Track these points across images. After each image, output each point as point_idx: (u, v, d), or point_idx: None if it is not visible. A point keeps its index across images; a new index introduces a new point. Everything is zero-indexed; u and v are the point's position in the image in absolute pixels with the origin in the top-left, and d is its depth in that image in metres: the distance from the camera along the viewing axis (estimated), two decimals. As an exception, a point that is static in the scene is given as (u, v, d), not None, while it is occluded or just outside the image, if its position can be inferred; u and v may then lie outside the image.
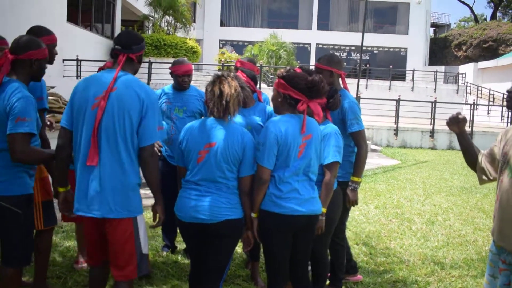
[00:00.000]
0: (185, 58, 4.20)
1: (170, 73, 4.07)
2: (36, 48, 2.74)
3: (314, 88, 2.75)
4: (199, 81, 17.56)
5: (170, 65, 4.09)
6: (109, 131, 2.47)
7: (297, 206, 2.72)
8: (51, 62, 3.15)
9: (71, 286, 3.50)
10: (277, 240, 2.77)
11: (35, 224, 3.15)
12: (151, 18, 20.76)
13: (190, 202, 2.67)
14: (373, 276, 4.09)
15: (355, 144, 3.44)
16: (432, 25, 40.41)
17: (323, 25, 32.34)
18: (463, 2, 45.13)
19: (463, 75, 28.41)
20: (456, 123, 2.70)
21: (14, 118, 2.56)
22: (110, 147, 2.47)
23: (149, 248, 4.29)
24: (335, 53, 31.62)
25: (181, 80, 3.97)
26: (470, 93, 26.16)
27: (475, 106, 17.02)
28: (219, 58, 23.60)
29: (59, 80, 12.14)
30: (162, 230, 4.41)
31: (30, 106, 2.62)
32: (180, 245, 4.37)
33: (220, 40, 31.57)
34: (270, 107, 3.67)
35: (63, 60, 15.00)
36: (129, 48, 2.63)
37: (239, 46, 29.46)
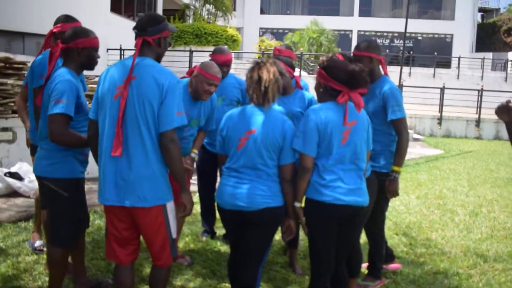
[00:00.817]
0: (226, 47, 4.18)
1: (210, 59, 4.09)
2: (83, 37, 2.81)
3: (354, 79, 2.70)
4: (239, 69, 17.60)
5: (210, 53, 4.13)
6: (132, 121, 2.44)
7: (341, 195, 2.67)
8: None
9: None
10: (320, 229, 2.74)
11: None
12: (192, 7, 20.94)
13: (229, 189, 2.70)
14: (413, 267, 4.04)
15: (396, 132, 3.35)
16: (480, 9, 38.85)
17: (365, 11, 31.70)
18: (514, -15, 43.12)
19: (513, 62, 27.25)
20: (506, 111, 2.60)
21: (53, 100, 2.68)
22: (135, 137, 2.44)
23: (189, 233, 4.43)
24: (377, 40, 31.06)
25: (220, 69, 3.96)
26: (520, 80, 25.08)
27: (524, 94, 16.30)
28: (259, 46, 23.58)
29: (103, 69, 12.49)
30: (201, 215, 4.51)
31: (68, 89, 2.69)
32: (220, 230, 4.44)
33: (260, 28, 31.52)
34: (309, 94, 3.66)
35: (107, 49, 15.36)
36: (144, 30, 2.52)
37: (279, 34, 29.34)
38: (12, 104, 5.91)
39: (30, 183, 5.36)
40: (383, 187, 3.35)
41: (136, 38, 2.54)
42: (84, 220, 3.04)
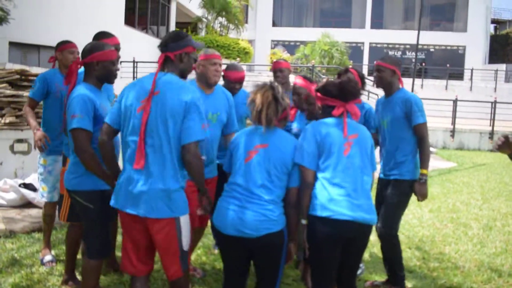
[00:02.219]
0: (239, 64, 4.22)
1: (223, 76, 4.11)
2: (99, 50, 2.86)
3: (345, 90, 2.78)
4: (252, 81, 17.71)
5: (223, 65, 4.14)
6: (154, 134, 2.50)
7: (347, 210, 2.62)
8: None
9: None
10: (324, 247, 2.69)
11: (60, 215, 3.34)
12: (204, 19, 21.15)
13: (231, 214, 2.61)
14: (426, 281, 4.00)
15: (419, 136, 3.47)
16: (493, 21, 38.64)
17: (377, 23, 31.71)
18: (527, -3, 42.90)
19: (527, 74, 27.03)
20: (507, 146, 2.62)
21: (69, 116, 2.76)
22: (155, 150, 2.50)
23: (202, 245, 4.44)
24: (389, 52, 31.04)
25: (232, 86, 3.92)
26: (534, 92, 24.83)
27: (539, 106, 16.15)
28: (270, 59, 23.69)
29: (116, 81, 12.64)
30: (212, 228, 4.51)
31: (81, 103, 2.73)
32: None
33: (272, 41, 31.67)
34: None
35: (121, 62, 15.52)
36: (166, 46, 2.61)
37: (291, 46, 29.44)
38: (28, 116, 6.03)
39: (44, 194, 5.42)
40: (404, 194, 3.48)
41: (160, 54, 2.64)
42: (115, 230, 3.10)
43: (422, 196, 3.49)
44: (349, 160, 2.69)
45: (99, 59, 2.87)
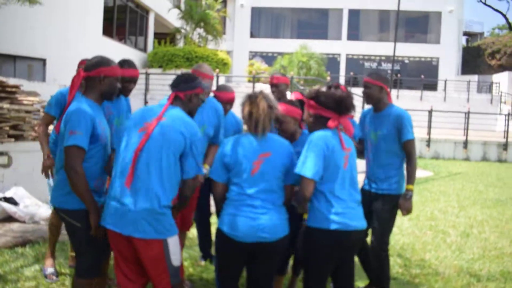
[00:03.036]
0: (229, 85, 4.21)
1: (214, 96, 4.03)
2: (106, 65, 2.78)
3: (343, 104, 2.82)
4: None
5: (214, 90, 4.11)
6: (149, 155, 2.56)
7: (350, 221, 2.73)
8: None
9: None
10: (325, 258, 2.78)
11: None
12: (183, 30, 21.17)
13: (249, 222, 2.67)
14: (409, 287, 4.10)
15: (407, 152, 3.53)
16: (465, 33, 39.78)
17: (353, 35, 32.26)
18: (497, 10, 44.35)
19: (497, 84, 27.86)
20: None
21: (68, 131, 2.63)
22: (148, 171, 2.56)
23: (188, 257, 4.46)
24: (365, 63, 31.50)
25: (223, 106, 3.88)
26: (505, 102, 25.62)
27: (510, 116, 16.67)
28: (249, 70, 23.84)
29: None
30: (198, 240, 4.54)
31: (81, 120, 2.62)
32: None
33: (250, 52, 31.86)
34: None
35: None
36: (177, 86, 2.79)
37: (269, 57, 29.67)
38: (8, 128, 5.95)
39: (25, 208, 5.37)
40: (395, 208, 3.54)
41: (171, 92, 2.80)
42: (105, 249, 2.91)
43: (407, 211, 3.52)
44: (347, 174, 2.80)
45: (106, 74, 2.78)
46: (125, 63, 3.51)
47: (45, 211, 5.45)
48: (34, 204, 5.52)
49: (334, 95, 2.83)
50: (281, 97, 4.25)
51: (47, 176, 3.73)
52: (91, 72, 2.77)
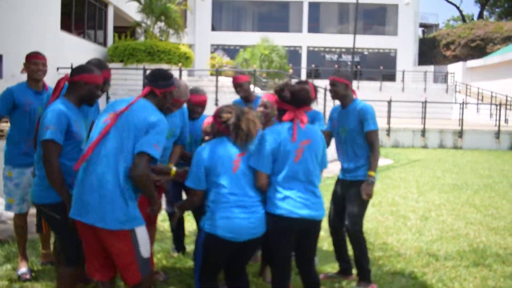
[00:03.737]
0: (202, 88, 4.21)
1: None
2: (89, 73, 2.94)
3: (298, 97, 3.03)
4: (193, 86, 17.73)
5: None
6: (112, 144, 2.62)
7: (296, 208, 2.93)
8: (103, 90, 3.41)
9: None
10: (279, 240, 3.01)
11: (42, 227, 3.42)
12: (144, 24, 20.92)
13: (243, 222, 2.82)
14: (373, 269, 4.31)
15: (370, 142, 3.77)
16: (421, 25, 40.92)
17: (313, 27, 32.70)
18: (451, 2, 45.84)
19: (452, 75, 28.92)
20: None
21: (44, 127, 2.78)
22: (108, 160, 2.60)
23: (160, 250, 4.54)
24: (326, 55, 31.92)
25: (194, 109, 3.98)
26: (460, 92, 26.65)
27: (464, 104, 17.38)
28: (211, 63, 23.82)
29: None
30: (172, 231, 4.62)
31: (56, 117, 2.77)
32: (189, 246, 4.57)
33: (212, 45, 31.79)
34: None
35: (58, 68, 15.14)
36: (155, 82, 2.83)
37: (231, 51, 29.69)
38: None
39: (-9, 206, 5.29)
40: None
41: (145, 86, 2.81)
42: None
43: (368, 195, 3.76)
44: (299, 166, 2.98)
45: (88, 81, 2.92)
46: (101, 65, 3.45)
47: (12, 209, 5.39)
48: (0, 204, 5.45)
49: (292, 89, 3.05)
50: (247, 95, 4.44)
51: None
52: (74, 77, 2.92)
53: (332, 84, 3.86)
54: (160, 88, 2.84)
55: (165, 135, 2.72)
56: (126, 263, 2.65)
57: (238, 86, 4.43)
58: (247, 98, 4.43)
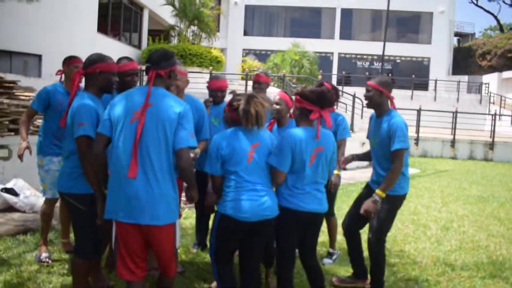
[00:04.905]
0: (221, 75, 4.49)
1: (206, 86, 4.48)
2: (101, 62, 3.06)
3: (323, 98, 3.23)
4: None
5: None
6: (148, 144, 2.65)
7: (304, 204, 3.19)
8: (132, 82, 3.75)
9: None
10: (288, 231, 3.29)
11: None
12: (177, 28, 21.36)
13: (253, 204, 3.03)
14: (387, 275, 4.38)
15: (392, 160, 3.56)
16: (456, 34, 40.27)
17: (345, 34, 32.60)
18: (488, 11, 44.85)
19: (487, 85, 28.30)
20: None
21: (76, 123, 2.94)
22: (150, 159, 2.65)
23: (180, 245, 4.72)
24: (358, 62, 31.75)
25: (214, 94, 4.28)
26: (494, 103, 26.05)
27: (497, 116, 17.04)
28: (242, 67, 24.07)
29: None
30: (196, 228, 4.80)
31: (87, 113, 2.93)
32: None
33: (243, 49, 32.11)
34: None
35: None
36: (158, 65, 2.81)
37: (262, 55, 29.93)
38: (7, 122, 6.17)
39: (25, 198, 5.60)
40: (394, 208, 3.73)
41: (148, 70, 2.83)
42: (105, 235, 3.22)
43: (367, 213, 3.58)
44: (310, 170, 3.22)
45: (102, 70, 3.05)
46: (123, 59, 3.82)
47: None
48: (33, 195, 5.76)
49: (317, 90, 3.27)
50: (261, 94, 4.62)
51: (21, 158, 4.04)
52: (88, 69, 3.07)
53: (367, 89, 3.71)
54: (163, 68, 2.83)
55: (192, 119, 2.82)
56: (169, 256, 2.80)
57: (257, 83, 4.66)
58: None
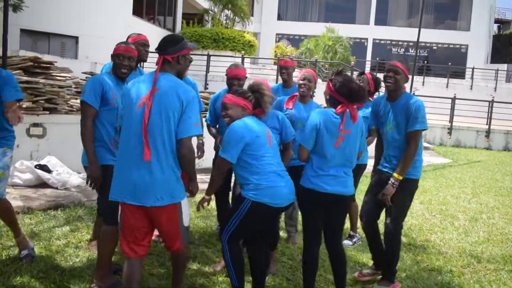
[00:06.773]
0: (240, 64, 4.46)
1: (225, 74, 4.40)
2: (116, 45, 3.46)
3: (354, 94, 3.23)
4: (255, 74, 18.02)
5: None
6: (154, 128, 2.68)
7: (327, 185, 3.22)
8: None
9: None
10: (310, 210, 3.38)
11: None
12: (211, 11, 21.38)
13: (284, 189, 3.11)
14: (410, 264, 4.36)
15: (408, 141, 3.54)
16: (496, 21, 38.79)
17: (381, 19, 31.90)
18: (533, -3, 42.94)
19: (527, 74, 27.27)
20: None
21: (82, 91, 3.34)
22: (155, 143, 2.69)
23: (204, 226, 4.81)
24: (393, 48, 31.02)
25: (230, 82, 4.15)
26: (534, 93, 25.10)
27: (535, 106, 16.45)
28: (275, 52, 23.95)
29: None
30: (217, 212, 4.85)
31: (91, 83, 3.29)
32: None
33: (277, 34, 31.89)
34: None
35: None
36: (165, 50, 2.80)
37: (295, 40, 29.68)
38: (43, 101, 6.35)
39: (58, 175, 5.79)
40: (411, 193, 3.72)
41: (159, 56, 2.83)
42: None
43: (385, 199, 3.57)
44: (337, 152, 3.23)
45: (113, 53, 3.41)
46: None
47: (75, 179, 5.88)
48: (66, 172, 5.95)
49: (349, 85, 3.25)
50: (288, 79, 4.63)
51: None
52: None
53: (396, 71, 3.57)
54: (170, 54, 2.80)
55: (198, 106, 2.85)
56: (174, 234, 2.89)
57: (284, 68, 4.64)
58: (287, 83, 4.64)
